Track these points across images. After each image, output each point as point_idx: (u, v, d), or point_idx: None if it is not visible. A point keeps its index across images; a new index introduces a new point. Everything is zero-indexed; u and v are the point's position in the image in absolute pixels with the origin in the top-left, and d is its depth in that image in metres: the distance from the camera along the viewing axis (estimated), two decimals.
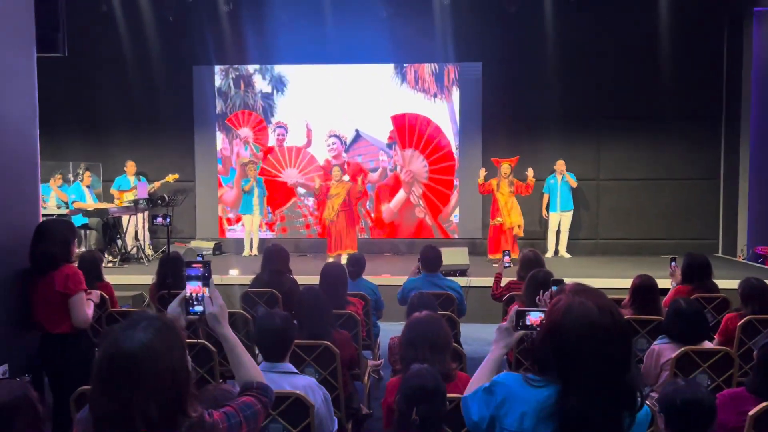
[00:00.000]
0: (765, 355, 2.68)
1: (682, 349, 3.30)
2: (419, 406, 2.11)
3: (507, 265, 5.32)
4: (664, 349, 3.40)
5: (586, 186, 10.58)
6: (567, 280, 7.33)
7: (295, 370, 2.85)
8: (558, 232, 10.20)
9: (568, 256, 10.14)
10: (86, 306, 3.46)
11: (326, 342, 3.43)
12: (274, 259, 5.25)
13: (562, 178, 9.96)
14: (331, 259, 9.21)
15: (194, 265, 1.88)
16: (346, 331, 4.10)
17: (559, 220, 10.15)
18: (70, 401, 2.68)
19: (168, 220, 4.90)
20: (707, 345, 3.42)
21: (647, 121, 10.42)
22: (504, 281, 5.36)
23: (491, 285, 5.54)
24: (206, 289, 1.89)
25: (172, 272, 5.20)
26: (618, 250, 10.49)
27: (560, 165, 10.00)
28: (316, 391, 2.79)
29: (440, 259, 5.13)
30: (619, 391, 1.52)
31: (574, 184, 10.01)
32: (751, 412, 2.47)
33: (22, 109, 3.55)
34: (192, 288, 1.89)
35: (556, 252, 10.20)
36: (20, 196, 3.61)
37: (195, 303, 1.89)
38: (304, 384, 2.77)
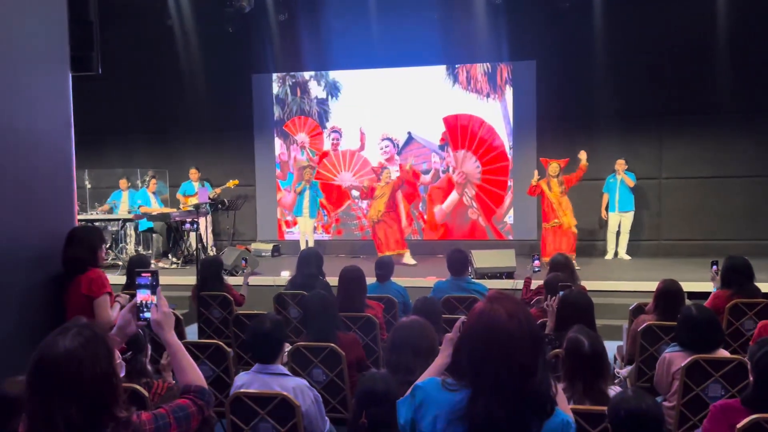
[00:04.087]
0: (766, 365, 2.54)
1: (693, 357, 3.16)
2: (368, 409, 2.16)
3: (537, 269, 5.23)
4: (675, 357, 3.27)
5: (648, 185, 10.17)
6: (620, 284, 7.07)
7: (287, 372, 2.96)
8: (618, 234, 9.86)
9: (628, 258, 9.79)
10: (110, 309, 3.69)
11: (332, 344, 3.52)
12: (308, 262, 5.42)
13: (621, 177, 9.63)
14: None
15: (143, 275, 2.01)
16: (362, 333, 4.19)
17: (619, 221, 9.80)
18: None
19: (195, 225, 5.14)
20: (722, 353, 3.26)
21: (712, 116, 9.89)
22: (534, 285, 5.29)
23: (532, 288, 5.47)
24: (154, 297, 2.01)
25: (211, 275, 5.48)
26: (683, 252, 10.00)
27: (620, 164, 9.65)
28: (305, 392, 2.88)
29: (467, 263, 5.12)
30: (525, 396, 1.53)
31: (631, 183, 9.62)
32: (738, 425, 2.36)
33: (55, 125, 3.83)
34: (142, 296, 2.01)
35: (616, 254, 9.87)
36: (56, 205, 3.89)
37: (145, 310, 2.02)
38: (293, 385, 2.87)
